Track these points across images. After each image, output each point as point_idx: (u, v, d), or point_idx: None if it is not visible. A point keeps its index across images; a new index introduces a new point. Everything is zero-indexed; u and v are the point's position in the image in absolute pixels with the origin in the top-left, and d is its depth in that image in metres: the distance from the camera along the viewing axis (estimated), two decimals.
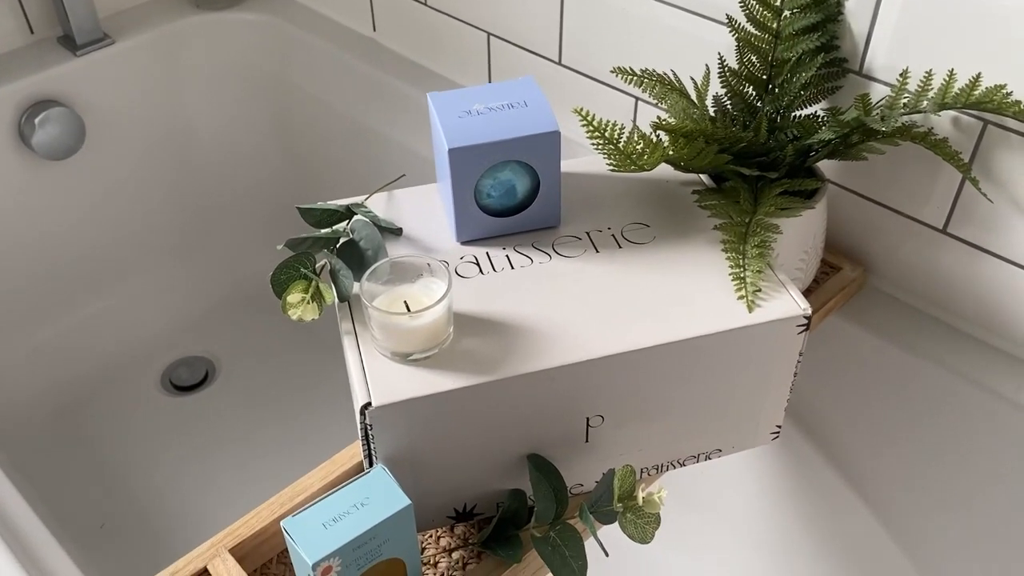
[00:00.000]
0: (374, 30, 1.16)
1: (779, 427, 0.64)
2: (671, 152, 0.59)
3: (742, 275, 0.58)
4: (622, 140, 0.56)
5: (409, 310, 0.54)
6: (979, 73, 0.63)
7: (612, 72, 0.71)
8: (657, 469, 0.63)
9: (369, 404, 0.52)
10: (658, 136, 0.60)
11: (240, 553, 0.59)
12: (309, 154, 1.26)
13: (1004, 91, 0.61)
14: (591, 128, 0.55)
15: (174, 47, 1.23)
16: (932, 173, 0.72)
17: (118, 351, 1.28)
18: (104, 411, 1.22)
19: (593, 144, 0.57)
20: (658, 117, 0.61)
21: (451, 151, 0.57)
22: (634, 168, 0.58)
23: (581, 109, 0.54)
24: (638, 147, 0.57)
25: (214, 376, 1.27)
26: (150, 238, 1.32)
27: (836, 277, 0.78)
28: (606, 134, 0.56)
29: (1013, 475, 0.72)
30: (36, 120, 1.12)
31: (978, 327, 0.75)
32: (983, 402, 0.72)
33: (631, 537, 0.55)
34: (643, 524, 0.55)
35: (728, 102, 0.72)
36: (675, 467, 0.64)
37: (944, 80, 0.64)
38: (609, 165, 0.58)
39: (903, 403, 0.77)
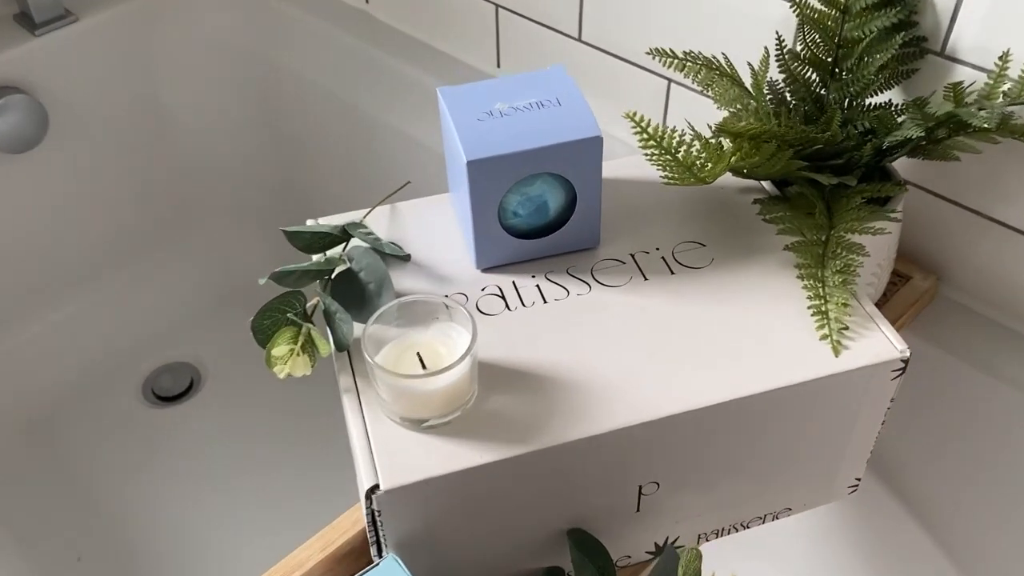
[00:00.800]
0: (367, 1, 1.05)
1: (859, 479, 0.55)
2: (737, 160, 0.49)
3: (823, 308, 0.48)
4: (681, 150, 0.46)
5: (424, 367, 0.43)
6: None
7: (648, 53, 0.60)
8: (717, 534, 0.54)
9: (376, 487, 0.42)
10: (719, 142, 0.49)
11: None
12: (298, 141, 1.15)
13: None
14: (645, 136, 0.45)
15: (144, 23, 1.11)
16: (1019, 168, 0.62)
17: (94, 358, 1.18)
18: (79, 425, 1.12)
19: (647, 155, 0.46)
20: (721, 122, 0.51)
21: (470, 164, 0.47)
22: (694, 181, 0.48)
23: (634, 113, 0.44)
24: (700, 158, 0.46)
25: (200, 384, 1.17)
26: (125, 235, 1.21)
27: (906, 288, 0.68)
28: (663, 143, 0.45)
29: None
30: None
31: None
32: None
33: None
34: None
35: (786, 90, 0.62)
36: (737, 530, 0.54)
37: None
38: (665, 179, 0.48)
39: (986, 433, 0.67)
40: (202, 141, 1.21)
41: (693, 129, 0.51)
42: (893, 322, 0.66)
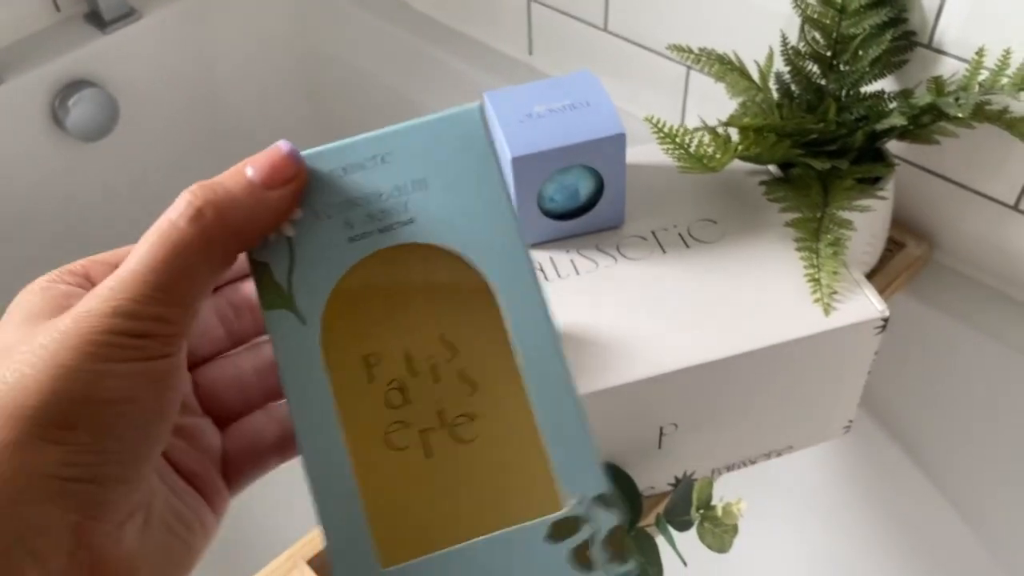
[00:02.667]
0: None
1: (851, 421, 0.63)
2: (742, 150, 0.57)
3: (817, 276, 0.57)
4: (693, 144, 0.55)
5: None
6: None
7: (668, 49, 0.69)
8: (728, 468, 0.63)
9: None
10: (727, 133, 0.57)
11: (321, 563, 0.59)
12: (347, 128, 1.24)
13: None
14: (661, 135, 0.53)
15: (201, 19, 1.21)
16: (1003, 148, 0.69)
17: None
18: None
19: (664, 149, 0.55)
20: (730, 116, 0.59)
21: (515, 160, 0.55)
22: (705, 170, 0.56)
23: (652, 118, 0.52)
24: (709, 150, 0.55)
25: None
26: None
27: (901, 255, 0.76)
28: (677, 139, 0.54)
29: None
30: (69, 102, 1.10)
31: None
32: None
33: (709, 547, 0.55)
34: (721, 534, 0.55)
35: (791, 82, 0.69)
36: (746, 465, 0.63)
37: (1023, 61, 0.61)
38: (679, 167, 0.56)
39: (972, 383, 0.75)
40: (256, 127, 1.31)
41: (704, 123, 0.59)
42: (888, 285, 0.74)
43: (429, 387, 0.28)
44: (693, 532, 0.56)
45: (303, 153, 0.28)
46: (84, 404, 0.23)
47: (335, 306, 0.28)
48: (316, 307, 0.27)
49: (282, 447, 0.30)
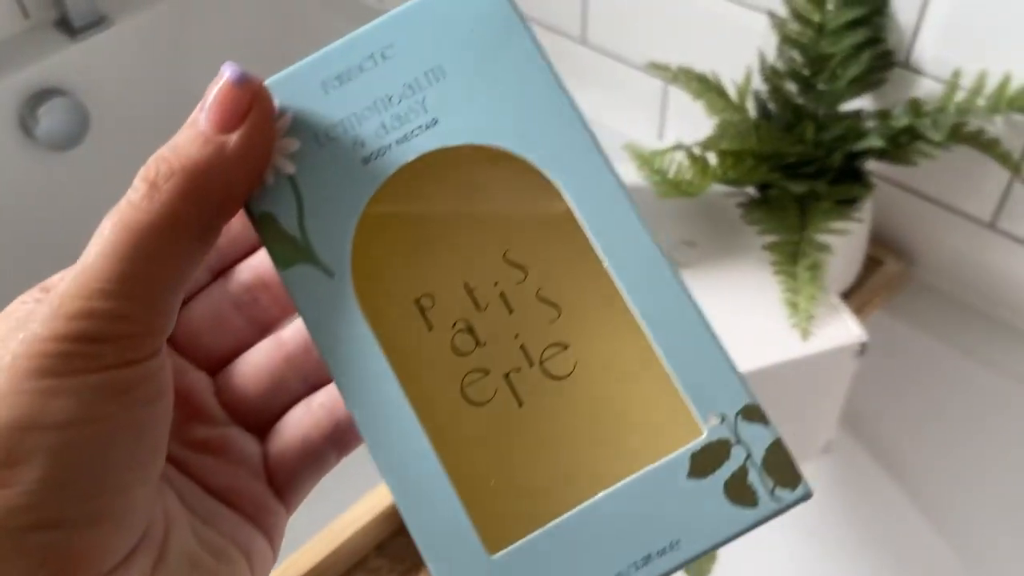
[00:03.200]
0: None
1: (830, 440, 0.64)
2: (720, 174, 0.57)
3: (795, 300, 0.57)
4: (671, 169, 0.54)
5: None
6: None
7: (647, 67, 0.68)
8: None
9: None
10: (705, 157, 0.57)
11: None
12: None
13: None
14: (640, 161, 0.53)
15: (174, 25, 1.19)
16: (980, 168, 0.69)
17: None
18: None
19: (641, 174, 0.54)
20: (708, 138, 0.59)
21: None
22: (683, 195, 0.56)
23: (630, 146, 0.52)
24: (687, 176, 0.55)
25: None
26: None
27: (879, 273, 0.76)
28: (654, 166, 0.53)
29: None
30: (39, 111, 1.09)
31: None
32: None
33: (687, 573, 0.55)
34: (701, 561, 0.54)
35: (769, 100, 0.69)
36: None
37: (999, 83, 0.61)
38: (658, 193, 0.56)
39: (950, 400, 0.76)
40: None
41: (682, 144, 0.59)
42: (867, 303, 0.74)
43: (503, 320, 0.22)
44: None
45: (289, 71, 0.23)
46: (29, 432, 0.19)
47: (364, 247, 0.22)
48: (341, 252, 0.22)
49: (338, 439, 0.25)
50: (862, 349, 0.56)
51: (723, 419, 0.21)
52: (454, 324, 0.22)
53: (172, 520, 0.21)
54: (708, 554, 0.21)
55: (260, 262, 0.25)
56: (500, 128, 0.22)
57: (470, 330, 0.22)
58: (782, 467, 0.21)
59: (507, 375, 0.22)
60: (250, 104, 0.21)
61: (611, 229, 0.21)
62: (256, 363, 0.25)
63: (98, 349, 0.19)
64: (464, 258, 0.23)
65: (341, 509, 0.62)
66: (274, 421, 0.25)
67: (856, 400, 0.79)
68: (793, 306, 0.56)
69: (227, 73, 0.22)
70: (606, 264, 0.21)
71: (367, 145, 0.22)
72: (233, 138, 0.21)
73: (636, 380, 0.22)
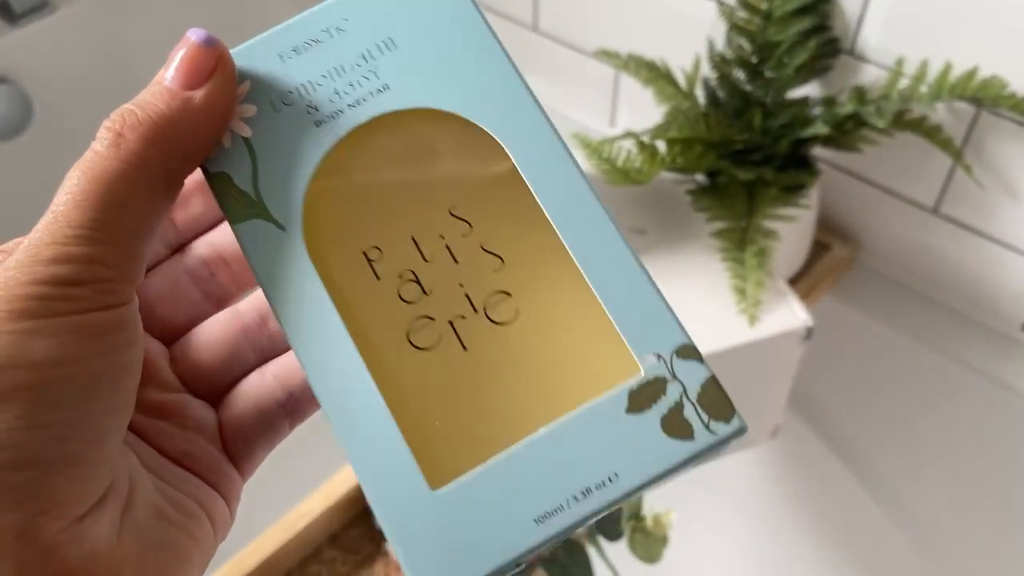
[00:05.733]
0: None
1: (777, 425, 0.65)
2: (668, 161, 0.57)
3: (742, 286, 0.58)
4: (620, 158, 0.54)
5: None
6: (976, 66, 0.61)
7: (598, 54, 0.68)
8: None
9: None
10: (654, 144, 0.57)
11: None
12: None
13: (1001, 83, 0.60)
14: (588, 150, 0.53)
15: (120, 10, 1.17)
16: (923, 155, 0.71)
17: None
18: None
19: (590, 162, 0.54)
20: (656, 126, 0.59)
21: None
22: (632, 183, 0.56)
23: (579, 134, 0.52)
24: (635, 163, 0.55)
25: None
26: None
27: (827, 257, 0.78)
28: (603, 154, 0.53)
29: (1005, 455, 0.74)
30: None
31: (969, 305, 0.75)
32: (975, 382, 0.73)
33: (640, 558, 0.55)
34: (651, 544, 0.55)
35: (718, 88, 0.70)
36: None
37: (940, 70, 0.62)
38: (607, 180, 0.56)
39: (897, 383, 0.77)
40: None
41: (631, 133, 0.59)
42: (814, 287, 0.76)
43: (448, 270, 0.23)
44: (622, 542, 0.56)
45: (248, 43, 0.24)
46: (7, 371, 0.19)
47: (316, 202, 0.23)
48: (293, 207, 0.23)
49: (292, 409, 0.25)
50: (808, 334, 0.56)
51: (659, 357, 0.22)
52: (400, 275, 0.23)
53: (136, 476, 0.22)
54: (647, 488, 0.22)
55: (219, 238, 0.26)
56: (449, 93, 0.23)
57: (416, 280, 0.23)
58: (716, 402, 0.22)
59: (451, 322, 0.23)
60: (215, 65, 0.22)
61: (553, 184, 0.23)
62: (211, 334, 0.26)
63: (76, 292, 0.20)
64: (411, 213, 0.24)
65: (295, 501, 0.61)
66: (226, 391, 0.26)
67: (803, 383, 0.80)
68: (741, 292, 0.57)
69: (194, 36, 0.23)
70: (548, 215, 0.22)
71: (320, 109, 0.23)
72: (199, 95, 0.22)
73: (576, 325, 0.23)
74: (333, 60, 0.24)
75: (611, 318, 0.22)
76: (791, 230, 0.68)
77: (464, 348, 0.23)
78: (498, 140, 0.23)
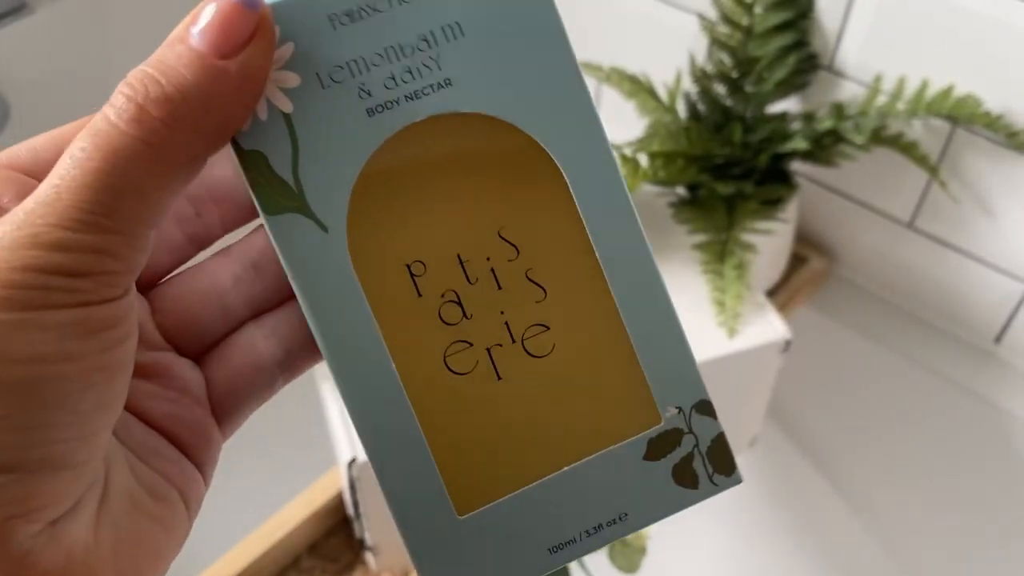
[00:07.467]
0: None
1: (756, 435, 0.65)
2: (650, 175, 0.58)
3: (722, 299, 0.58)
4: None
5: None
6: (952, 84, 0.62)
7: (580, 67, 0.69)
8: None
9: (354, 460, 0.50)
10: (636, 159, 0.58)
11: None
12: None
13: (976, 101, 0.61)
14: None
15: (100, 12, 1.16)
16: (899, 170, 0.72)
17: None
18: None
19: None
20: (639, 140, 0.60)
21: None
22: None
23: None
24: None
25: None
26: None
27: (804, 269, 0.79)
28: None
29: (977, 465, 0.75)
30: None
31: (943, 318, 0.77)
32: (949, 393, 0.74)
33: (619, 567, 0.56)
34: (630, 554, 0.55)
35: (698, 102, 0.71)
36: None
37: (917, 88, 0.63)
38: None
39: (872, 394, 0.78)
40: None
41: (614, 147, 0.59)
42: (791, 299, 0.76)
43: (492, 295, 0.22)
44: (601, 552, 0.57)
45: None
46: None
47: (360, 204, 0.21)
48: (338, 206, 0.21)
49: (289, 365, 0.24)
50: (786, 346, 0.57)
51: (680, 410, 0.23)
52: (443, 293, 0.22)
53: (112, 458, 0.20)
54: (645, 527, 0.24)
55: (211, 175, 0.23)
56: (514, 103, 0.21)
57: (458, 302, 0.23)
58: (722, 456, 0.24)
59: (489, 349, 0.23)
60: (255, 30, 0.19)
61: (606, 221, 0.22)
62: (198, 286, 0.23)
63: (77, 283, 0.18)
64: (460, 229, 0.22)
65: (274, 509, 0.61)
66: (212, 346, 0.24)
67: (781, 394, 0.81)
68: (720, 304, 0.57)
69: None
70: (598, 254, 0.22)
71: (374, 95, 0.21)
72: (232, 65, 0.19)
73: (608, 367, 0.23)
74: (392, 37, 0.21)
75: (641, 366, 0.23)
76: (770, 243, 0.69)
77: (499, 377, 0.23)
78: (559, 166, 0.22)
